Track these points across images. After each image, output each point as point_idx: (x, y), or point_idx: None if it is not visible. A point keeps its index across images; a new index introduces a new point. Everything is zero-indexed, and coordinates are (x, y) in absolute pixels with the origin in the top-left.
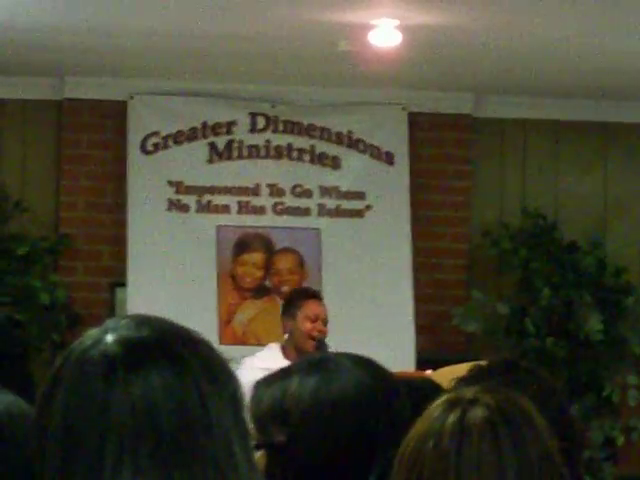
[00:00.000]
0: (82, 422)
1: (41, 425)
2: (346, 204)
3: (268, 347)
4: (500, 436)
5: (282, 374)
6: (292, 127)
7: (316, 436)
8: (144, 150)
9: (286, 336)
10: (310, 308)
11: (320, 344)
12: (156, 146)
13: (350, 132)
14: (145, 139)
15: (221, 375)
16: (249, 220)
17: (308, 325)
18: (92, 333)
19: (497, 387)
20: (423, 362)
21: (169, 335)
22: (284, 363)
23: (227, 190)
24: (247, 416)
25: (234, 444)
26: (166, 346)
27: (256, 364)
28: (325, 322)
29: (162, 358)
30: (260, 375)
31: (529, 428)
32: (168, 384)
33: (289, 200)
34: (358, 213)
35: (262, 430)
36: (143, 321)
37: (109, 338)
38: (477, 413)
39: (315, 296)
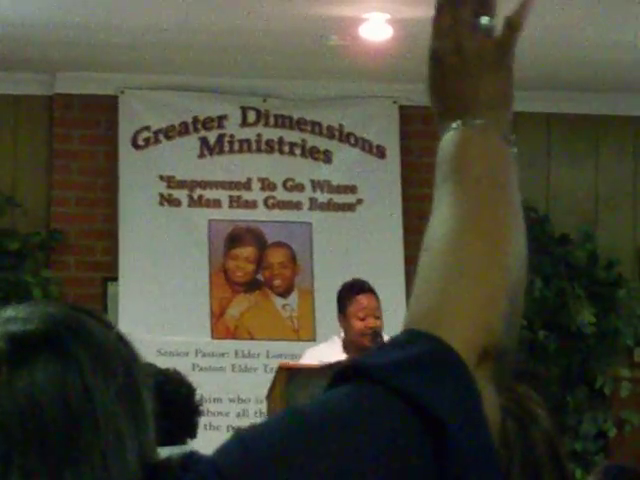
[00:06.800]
0: None
1: None
2: (338, 198)
3: (331, 340)
4: (509, 438)
5: None
6: (283, 121)
7: None
8: (135, 145)
9: (342, 333)
10: (358, 305)
11: (375, 336)
12: (147, 141)
13: (341, 126)
14: (136, 134)
15: (112, 365)
16: (241, 214)
17: (358, 324)
18: None
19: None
20: None
21: (57, 326)
22: (343, 357)
23: (218, 184)
24: (149, 402)
25: (125, 436)
26: (53, 339)
27: (316, 357)
28: (377, 315)
29: (47, 352)
30: None
31: (536, 429)
32: (52, 379)
33: (280, 194)
34: (350, 207)
35: None
36: (34, 313)
37: None
38: None
39: (362, 290)
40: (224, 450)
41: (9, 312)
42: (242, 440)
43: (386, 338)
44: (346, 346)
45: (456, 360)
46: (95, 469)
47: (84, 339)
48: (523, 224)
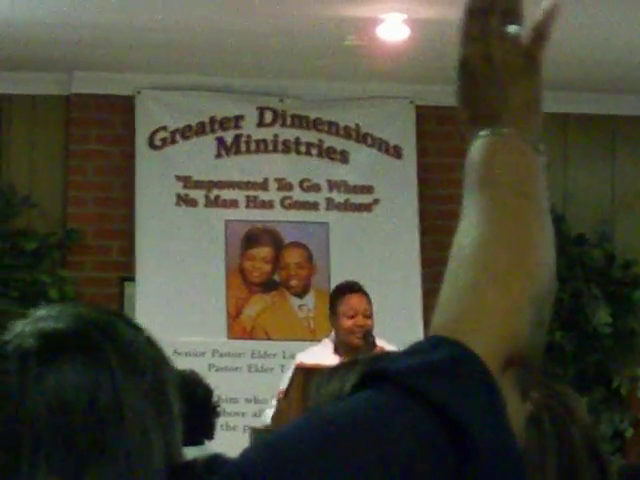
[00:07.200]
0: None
1: None
2: (354, 198)
3: (322, 343)
4: (545, 433)
5: (343, 369)
6: (300, 121)
7: None
8: (152, 145)
9: (333, 333)
10: (347, 304)
11: (366, 336)
12: (164, 141)
13: (358, 126)
14: (153, 134)
15: (141, 365)
16: (257, 215)
17: (347, 322)
18: (16, 325)
19: (542, 380)
20: None
21: (88, 326)
22: (334, 359)
23: (235, 185)
24: (176, 403)
25: (151, 435)
26: (82, 338)
27: (308, 360)
28: (367, 314)
29: (77, 350)
30: None
31: (574, 424)
32: (81, 377)
33: (297, 194)
34: (366, 207)
35: None
36: (65, 312)
37: (27, 331)
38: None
39: (352, 290)
40: (250, 454)
41: (41, 311)
42: (269, 445)
43: (379, 339)
44: (337, 347)
45: (480, 366)
46: (119, 467)
47: (113, 339)
48: (552, 234)
